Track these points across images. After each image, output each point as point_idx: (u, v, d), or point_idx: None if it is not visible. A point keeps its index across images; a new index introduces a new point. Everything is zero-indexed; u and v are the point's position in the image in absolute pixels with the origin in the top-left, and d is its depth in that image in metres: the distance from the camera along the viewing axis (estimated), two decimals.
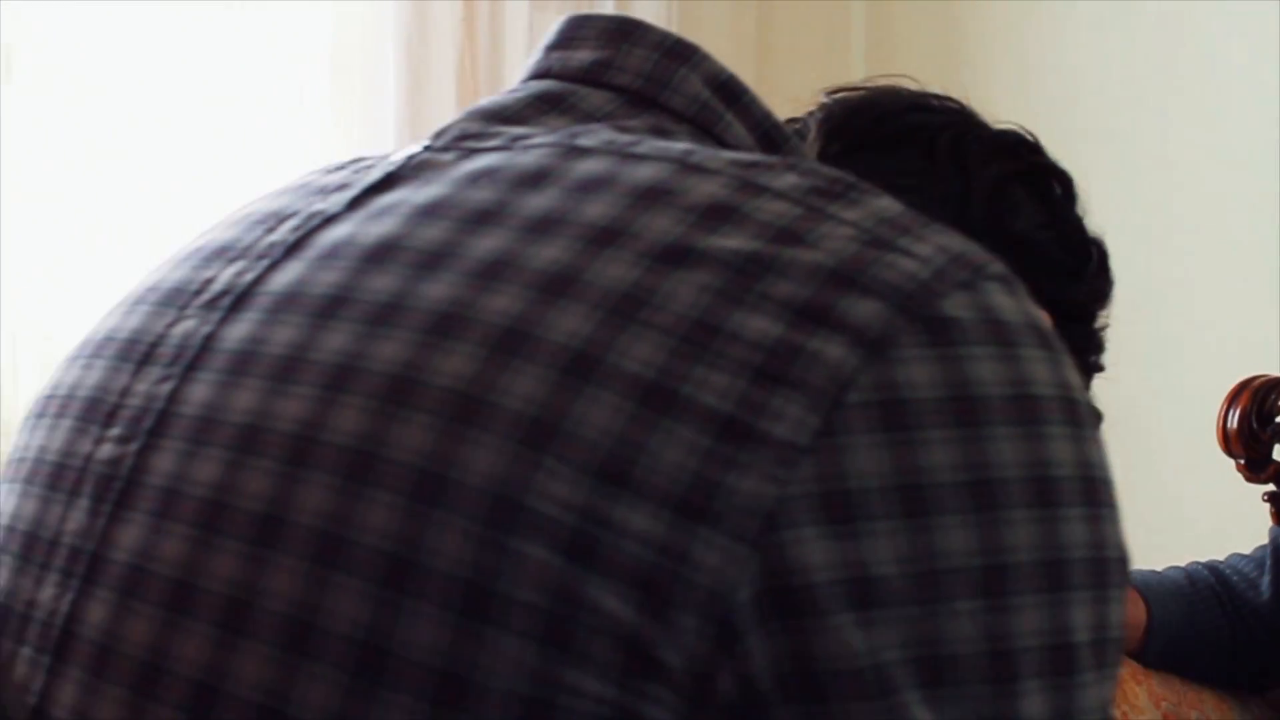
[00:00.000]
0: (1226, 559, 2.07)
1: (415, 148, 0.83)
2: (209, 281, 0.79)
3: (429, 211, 0.76)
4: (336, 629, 0.67)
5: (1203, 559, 2.05)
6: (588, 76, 0.84)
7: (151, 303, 0.81)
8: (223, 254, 0.81)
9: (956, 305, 0.70)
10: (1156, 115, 2.72)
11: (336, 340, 0.72)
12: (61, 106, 2.56)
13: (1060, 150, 2.73)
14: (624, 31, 0.85)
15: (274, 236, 0.80)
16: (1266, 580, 2.04)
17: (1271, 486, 2.19)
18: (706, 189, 0.73)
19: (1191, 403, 2.41)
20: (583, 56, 0.84)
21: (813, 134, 1.01)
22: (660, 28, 0.85)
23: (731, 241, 0.70)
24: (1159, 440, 2.69)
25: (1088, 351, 1.03)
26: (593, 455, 0.66)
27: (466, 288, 0.71)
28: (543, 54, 0.87)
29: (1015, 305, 0.72)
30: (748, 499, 0.66)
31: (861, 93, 1.03)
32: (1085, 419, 0.72)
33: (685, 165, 0.75)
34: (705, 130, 0.82)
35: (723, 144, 0.81)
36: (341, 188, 0.81)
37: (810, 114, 1.04)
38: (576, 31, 0.86)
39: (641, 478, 0.66)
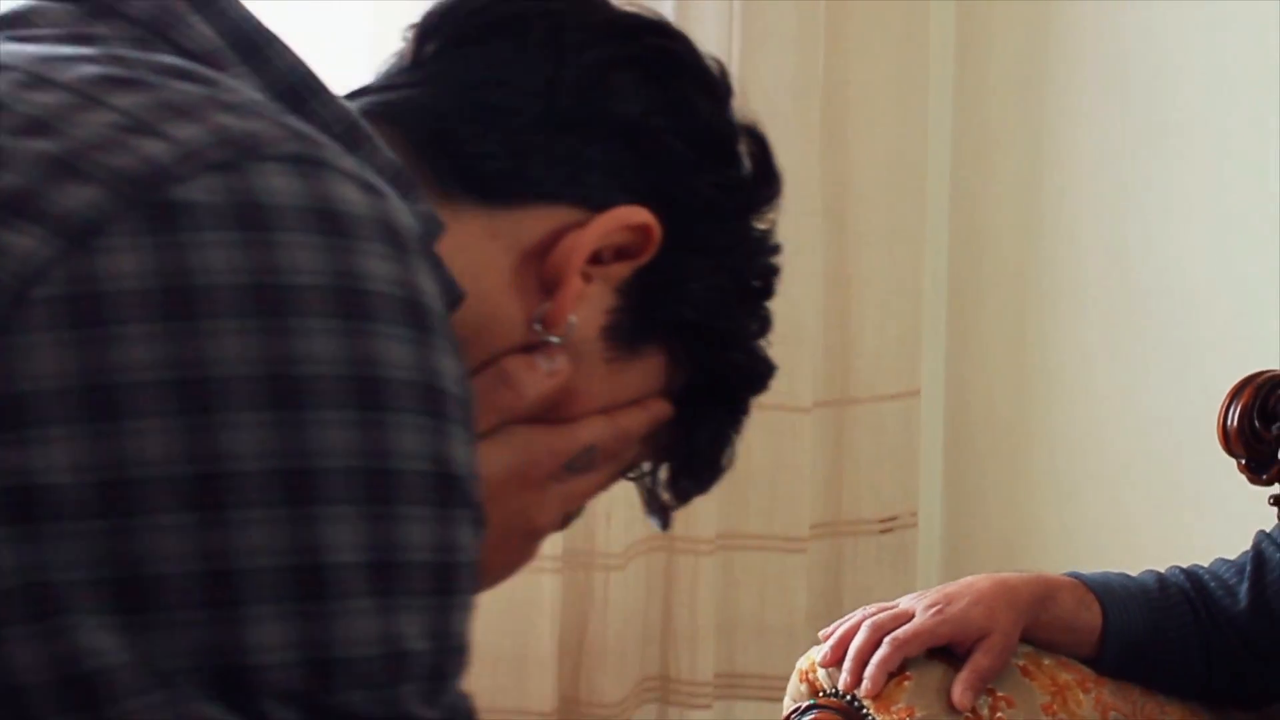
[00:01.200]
0: (1210, 564, 1.93)
1: None
2: None
3: None
4: None
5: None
6: None
7: None
8: None
9: (197, 189, 0.64)
10: (1249, 111, 2.59)
11: None
12: None
13: (1152, 145, 2.64)
14: None
15: None
16: (1245, 587, 1.88)
17: (1278, 489, 2.04)
18: None
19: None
20: None
21: (411, 36, 0.94)
22: None
23: None
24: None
25: (743, 251, 0.88)
26: None
27: None
28: None
29: (297, 188, 0.65)
30: None
31: None
32: (372, 311, 0.65)
33: None
34: (160, 34, 0.77)
35: (178, 47, 0.77)
36: None
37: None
38: None
39: None
